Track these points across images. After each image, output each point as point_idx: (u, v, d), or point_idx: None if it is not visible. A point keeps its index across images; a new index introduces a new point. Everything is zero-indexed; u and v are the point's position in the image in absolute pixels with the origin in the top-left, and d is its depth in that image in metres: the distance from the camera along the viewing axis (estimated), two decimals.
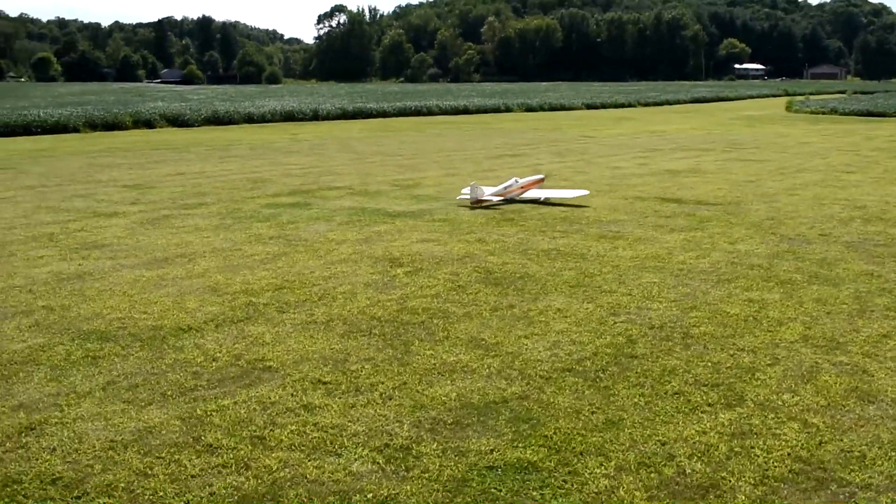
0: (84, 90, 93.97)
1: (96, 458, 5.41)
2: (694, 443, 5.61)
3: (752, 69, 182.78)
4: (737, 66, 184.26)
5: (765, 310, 8.81)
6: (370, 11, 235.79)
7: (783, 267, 10.84)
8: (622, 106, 70.01)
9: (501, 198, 16.15)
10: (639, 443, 5.61)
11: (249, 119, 44.34)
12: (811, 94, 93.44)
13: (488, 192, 16.06)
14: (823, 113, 58.80)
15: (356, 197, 17.17)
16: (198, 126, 41.16)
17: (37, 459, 5.42)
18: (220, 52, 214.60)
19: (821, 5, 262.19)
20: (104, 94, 77.33)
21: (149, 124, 39.69)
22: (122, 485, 5.08)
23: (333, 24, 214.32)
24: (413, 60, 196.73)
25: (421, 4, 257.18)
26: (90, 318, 8.53)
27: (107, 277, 10.30)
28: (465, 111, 57.01)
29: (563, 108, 64.64)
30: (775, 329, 8.16)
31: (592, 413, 6.09)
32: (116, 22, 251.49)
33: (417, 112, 54.16)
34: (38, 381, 6.79)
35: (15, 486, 5.07)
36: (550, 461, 5.33)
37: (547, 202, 16.20)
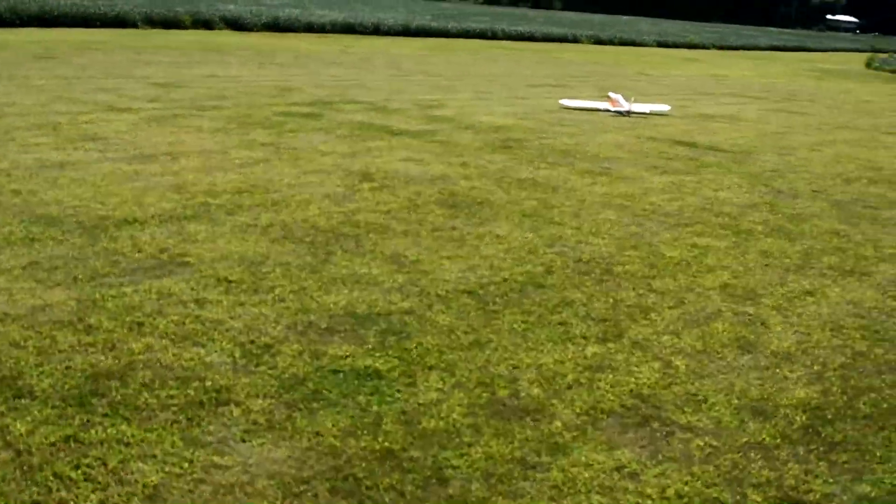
0: None
1: None
2: (545, 370, 5.78)
3: (845, 21, 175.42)
4: (829, 16, 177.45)
5: (703, 256, 8.85)
6: None
7: (751, 217, 10.79)
8: (696, 47, 68.29)
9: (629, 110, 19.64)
10: (492, 364, 5.81)
11: (309, 28, 44.32)
12: None
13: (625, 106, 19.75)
14: None
15: (372, 112, 17.31)
16: (256, 31, 41.36)
17: None
18: None
19: None
20: None
21: (207, 25, 39.98)
22: None
23: None
24: None
25: None
26: (49, 204, 8.92)
27: (86, 168, 10.68)
28: (531, 38, 56.22)
29: (633, 43, 63.30)
30: (701, 275, 8.22)
31: (465, 333, 6.28)
32: None
33: (481, 35, 53.53)
34: None
35: None
36: (396, 371, 5.56)
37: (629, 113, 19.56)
